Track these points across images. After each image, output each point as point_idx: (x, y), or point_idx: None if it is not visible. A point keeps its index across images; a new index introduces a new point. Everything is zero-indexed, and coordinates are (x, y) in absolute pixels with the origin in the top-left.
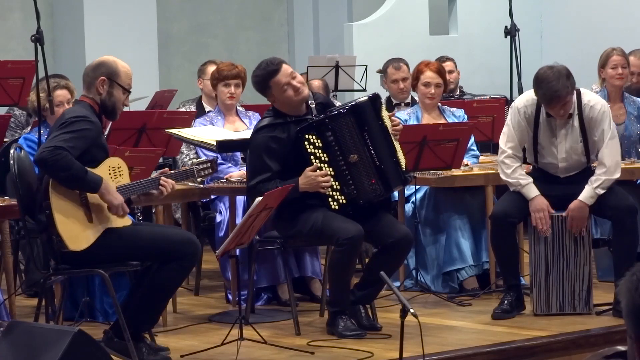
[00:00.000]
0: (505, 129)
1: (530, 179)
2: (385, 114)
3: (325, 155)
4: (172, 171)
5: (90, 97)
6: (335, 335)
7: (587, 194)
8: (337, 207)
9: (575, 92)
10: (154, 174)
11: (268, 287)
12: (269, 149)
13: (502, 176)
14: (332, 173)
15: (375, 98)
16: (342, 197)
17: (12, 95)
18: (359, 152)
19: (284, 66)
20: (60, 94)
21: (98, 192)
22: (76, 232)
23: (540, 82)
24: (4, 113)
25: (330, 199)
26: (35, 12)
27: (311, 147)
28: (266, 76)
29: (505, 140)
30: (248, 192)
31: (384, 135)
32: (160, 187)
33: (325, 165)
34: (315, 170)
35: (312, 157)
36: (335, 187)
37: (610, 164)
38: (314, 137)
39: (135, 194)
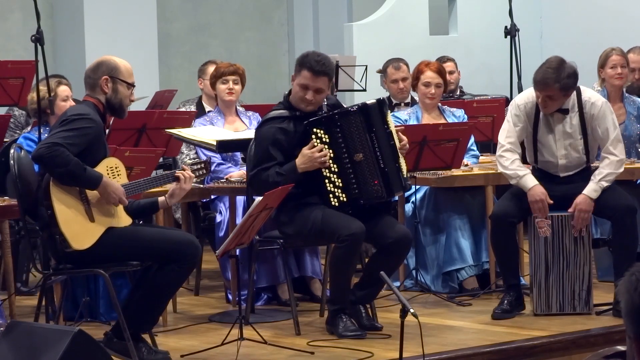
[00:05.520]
0: (505, 125)
1: (528, 170)
2: (390, 119)
3: (331, 151)
4: (168, 172)
5: (95, 97)
6: (335, 335)
7: (591, 187)
8: (337, 203)
9: (575, 91)
10: (153, 175)
11: (268, 287)
12: (276, 140)
13: (500, 168)
14: (336, 170)
15: (382, 102)
16: (343, 195)
17: (12, 95)
18: (364, 151)
19: (311, 73)
20: (65, 90)
21: (98, 188)
22: (79, 231)
23: (543, 64)
24: (4, 113)
25: (330, 195)
26: (35, 12)
27: (318, 141)
28: (300, 61)
29: (505, 136)
30: (249, 181)
31: (388, 140)
32: (176, 175)
33: (330, 161)
34: (311, 148)
35: None
36: (337, 184)
37: (614, 159)
38: (322, 131)
39: (135, 194)
